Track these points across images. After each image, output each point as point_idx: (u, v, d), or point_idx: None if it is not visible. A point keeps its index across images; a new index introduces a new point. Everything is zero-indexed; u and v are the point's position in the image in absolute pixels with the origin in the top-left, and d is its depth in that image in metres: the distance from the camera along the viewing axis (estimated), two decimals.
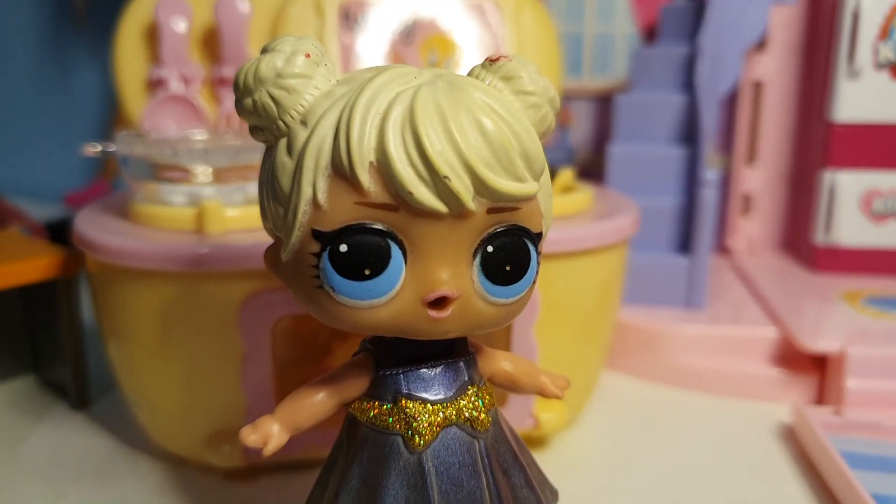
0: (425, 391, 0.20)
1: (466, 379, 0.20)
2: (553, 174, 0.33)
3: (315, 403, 0.20)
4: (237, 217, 0.29)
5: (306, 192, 0.17)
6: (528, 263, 0.19)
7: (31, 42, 0.77)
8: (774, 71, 0.53)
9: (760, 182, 0.55)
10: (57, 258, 0.36)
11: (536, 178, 0.18)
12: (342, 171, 0.17)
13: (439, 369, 0.20)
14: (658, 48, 0.48)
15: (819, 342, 0.37)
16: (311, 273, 0.18)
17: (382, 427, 0.20)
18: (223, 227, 0.29)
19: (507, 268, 0.18)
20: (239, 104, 0.19)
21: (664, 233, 0.44)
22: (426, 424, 0.19)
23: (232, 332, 0.28)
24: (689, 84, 0.45)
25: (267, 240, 0.21)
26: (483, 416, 0.20)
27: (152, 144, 0.32)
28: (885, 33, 0.46)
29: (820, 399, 0.39)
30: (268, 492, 0.30)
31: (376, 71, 0.18)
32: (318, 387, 0.20)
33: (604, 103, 0.57)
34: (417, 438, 0.19)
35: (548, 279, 0.31)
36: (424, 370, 0.20)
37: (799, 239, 0.53)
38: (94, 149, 0.33)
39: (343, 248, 0.17)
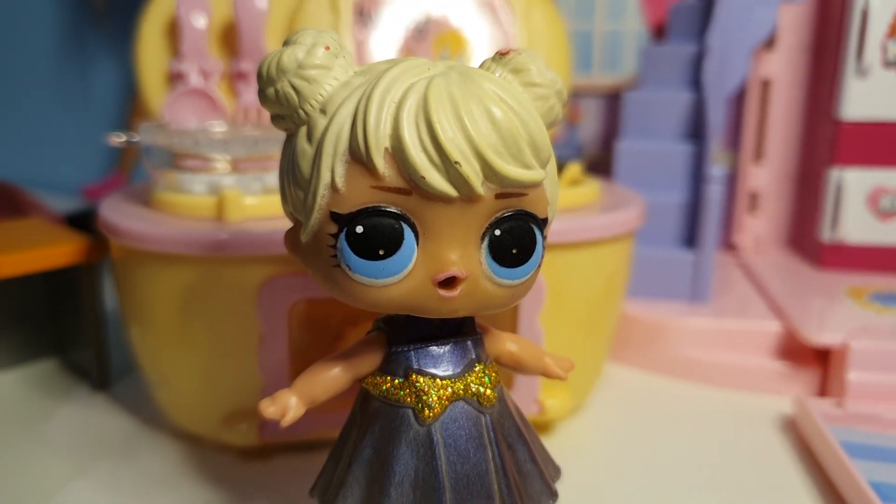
0: (434, 367, 0.21)
1: (474, 357, 0.21)
2: (561, 168, 0.33)
3: (331, 377, 0.21)
4: (255, 205, 0.30)
5: (325, 176, 0.18)
6: (534, 247, 0.20)
7: (50, 39, 0.78)
8: (782, 69, 0.54)
9: (767, 179, 0.56)
10: (80, 245, 0.37)
11: (543, 165, 0.19)
12: (359, 157, 0.18)
13: (448, 347, 0.21)
14: (667, 46, 0.49)
15: (822, 335, 0.38)
16: (328, 253, 0.19)
17: (394, 400, 0.21)
18: (242, 214, 0.30)
19: (514, 251, 0.19)
20: (262, 94, 0.20)
21: (670, 228, 0.45)
22: (435, 398, 0.20)
23: (250, 314, 0.29)
24: (696, 82, 0.45)
25: (283, 228, 0.22)
26: (489, 391, 0.21)
27: (174, 135, 0.33)
28: (893, 31, 0.46)
29: (822, 392, 0.39)
30: (281, 470, 0.31)
31: (392, 63, 0.19)
32: (333, 362, 0.21)
33: (613, 100, 0.58)
34: (427, 411, 0.20)
35: (554, 269, 0.31)
36: (434, 347, 0.21)
37: (805, 236, 0.54)
38: (118, 139, 0.34)
39: (359, 229, 0.18)
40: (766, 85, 0.54)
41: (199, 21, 0.40)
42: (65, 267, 0.37)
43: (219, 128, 0.36)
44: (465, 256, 0.19)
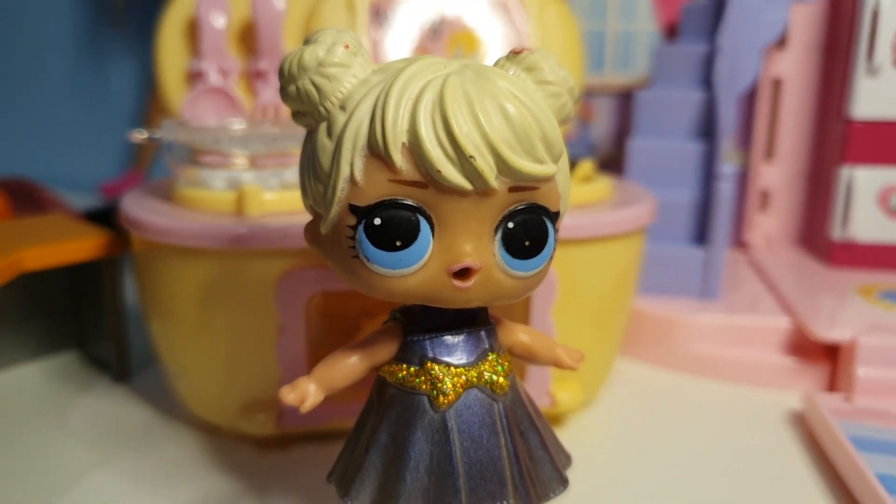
0: (449, 356, 0.21)
1: (487, 346, 0.22)
2: (574, 165, 0.34)
3: (349, 365, 0.22)
4: (274, 201, 0.31)
5: (344, 170, 0.19)
6: (546, 240, 0.20)
7: (69, 38, 0.79)
8: (794, 68, 0.54)
9: (778, 178, 0.56)
10: (102, 240, 0.37)
11: (555, 160, 0.20)
12: (377, 151, 0.19)
13: (462, 336, 0.22)
14: (678, 46, 0.49)
15: (832, 332, 0.38)
16: (347, 244, 0.20)
17: (410, 387, 0.21)
18: (261, 209, 0.31)
19: (527, 243, 0.20)
20: (283, 91, 0.21)
21: (681, 225, 0.45)
22: (450, 385, 0.21)
23: (269, 306, 0.30)
24: (708, 81, 0.46)
25: (301, 222, 0.22)
26: (502, 380, 0.22)
27: (195, 132, 0.34)
28: None
29: (831, 388, 0.39)
30: (298, 459, 0.32)
31: (409, 61, 0.20)
32: (351, 350, 0.22)
33: (625, 99, 0.58)
34: (442, 398, 0.21)
35: (566, 264, 0.32)
36: (448, 337, 0.22)
37: (815, 234, 0.54)
38: (140, 135, 0.35)
39: (377, 221, 0.19)
40: (777, 84, 0.54)
41: (219, 21, 0.41)
42: (87, 261, 0.38)
43: (238, 125, 0.36)
44: (480, 248, 0.19)
